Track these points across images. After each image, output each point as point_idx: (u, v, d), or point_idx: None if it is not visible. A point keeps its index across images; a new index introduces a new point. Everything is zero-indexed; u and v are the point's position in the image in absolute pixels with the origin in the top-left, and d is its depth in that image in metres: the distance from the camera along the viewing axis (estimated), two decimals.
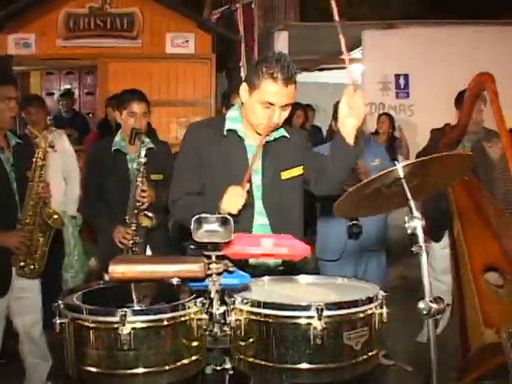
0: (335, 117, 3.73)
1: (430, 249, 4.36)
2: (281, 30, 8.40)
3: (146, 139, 3.36)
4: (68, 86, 8.65)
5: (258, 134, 2.26)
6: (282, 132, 2.34)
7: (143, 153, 3.26)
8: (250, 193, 2.23)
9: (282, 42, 8.34)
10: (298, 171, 2.35)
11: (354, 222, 3.34)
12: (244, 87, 2.24)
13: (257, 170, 2.29)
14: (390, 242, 6.07)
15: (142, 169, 3.26)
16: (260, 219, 2.29)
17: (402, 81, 8.52)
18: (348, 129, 2.09)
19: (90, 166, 3.64)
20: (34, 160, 3.12)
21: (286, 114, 2.23)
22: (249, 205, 2.20)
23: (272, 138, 2.31)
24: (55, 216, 3.26)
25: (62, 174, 4.49)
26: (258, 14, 8.33)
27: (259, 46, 7.86)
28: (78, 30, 7.06)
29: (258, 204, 2.29)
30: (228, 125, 2.31)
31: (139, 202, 3.27)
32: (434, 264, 4.28)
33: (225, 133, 2.30)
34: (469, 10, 8.77)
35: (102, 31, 7.06)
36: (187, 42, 7.01)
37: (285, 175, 2.32)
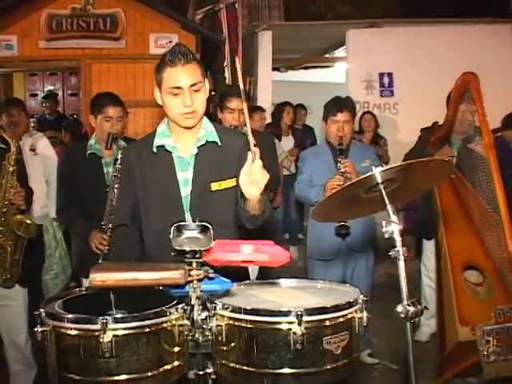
0: (325, 117, 3.77)
1: (422, 247, 4.42)
2: (265, 29, 8.40)
3: (122, 143, 3.35)
4: (51, 88, 8.60)
5: (187, 128, 2.25)
6: (214, 137, 2.31)
7: (120, 157, 3.21)
8: (180, 204, 2.25)
9: (266, 42, 8.34)
10: (229, 183, 2.29)
11: (342, 223, 3.34)
12: (156, 91, 2.25)
13: (186, 180, 2.28)
14: (375, 239, 6.12)
15: (118, 174, 3.21)
16: None
17: (386, 79, 8.56)
18: (249, 196, 2.04)
19: (62, 170, 3.56)
20: (3, 165, 3.05)
21: (200, 96, 2.20)
22: (177, 218, 2.15)
23: (203, 142, 2.29)
24: (28, 221, 3.16)
25: (43, 176, 4.47)
26: (242, 14, 8.34)
27: (243, 46, 7.87)
28: (60, 31, 6.99)
29: (186, 217, 2.25)
30: (156, 141, 2.29)
31: None
32: (427, 262, 4.32)
33: (154, 150, 2.29)
34: (452, 9, 8.85)
35: (84, 32, 7.00)
36: (171, 42, 6.96)
37: (215, 186, 2.27)
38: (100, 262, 3.18)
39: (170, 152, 2.29)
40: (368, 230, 3.71)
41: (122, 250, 2.41)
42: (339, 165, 3.47)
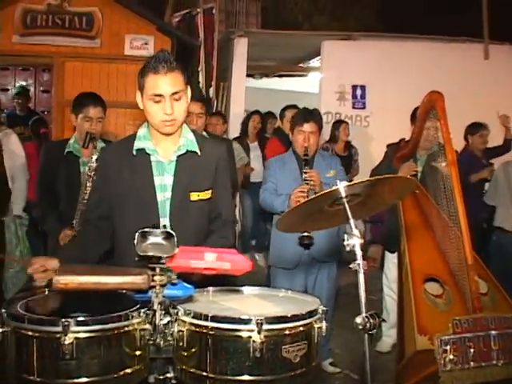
0: (292, 128, 3.82)
1: (385, 258, 4.50)
2: (241, 36, 8.44)
3: (100, 144, 3.38)
4: (23, 83, 8.48)
5: (166, 134, 2.28)
6: (194, 147, 2.35)
7: (94, 157, 3.26)
8: (155, 208, 2.28)
9: (241, 48, 8.38)
10: (206, 195, 2.35)
11: (306, 233, 3.39)
12: (138, 95, 2.27)
13: (163, 185, 2.31)
14: (342, 248, 6.15)
15: (92, 174, 3.26)
16: None
17: (358, 91, 8.67)
18: None
19: (42, 167, 3.61)
20: None
21: (181, 105, 2.23)
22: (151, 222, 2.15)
23: (183, 151, 2.33)
24: None
25: (9, 172, 4.43)
26: (219, 19, 8.36)
27: (219, 52, 7.89)
28: (35, 27, 6.91)
29: (164, 222, 2.27)
30: (137, 144, 2.32)
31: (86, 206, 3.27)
32: (388, 273, 4.39)
33: (134, 152, 2.31)
34: (427, 26, 9.02)
35: (59, 29, 6.93)
36: (146, 44, 6.98)
37: (193, 196, 2.32)
38: None
39: (149, 155, 2.31)
40: (332, 241, 3.76)
41: (84, 247, 2.37)
42: (304, 175, 3.52)
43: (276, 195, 3.65)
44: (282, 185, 3.70)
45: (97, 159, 3.24)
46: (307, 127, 3.68)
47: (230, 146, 4.62)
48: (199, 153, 2.35)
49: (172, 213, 2.29)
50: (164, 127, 2.25)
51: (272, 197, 3.65)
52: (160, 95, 2.17)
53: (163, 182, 2.31)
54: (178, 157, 2.32)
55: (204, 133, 3.90)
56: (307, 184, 3.47)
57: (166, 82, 2.17)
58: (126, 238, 2.27)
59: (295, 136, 3.75)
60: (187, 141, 2.35)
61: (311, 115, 3.73)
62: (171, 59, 2.19)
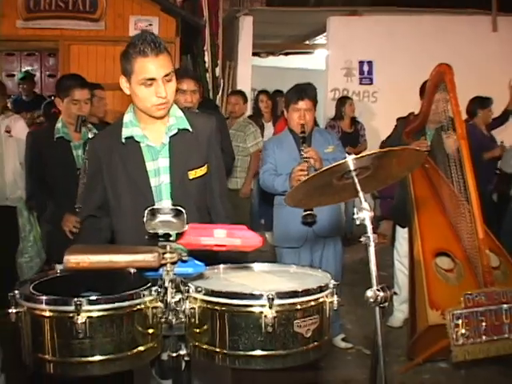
0: (286, 106, 3.79)
1: (396, 233, 4.50)
2: (246, 14, 8.37)
3: (91, 126, 3.37)
4: (29, 68, 8.47)
5: (158, 118, 2.24)
6: (185, 124, 2.31)
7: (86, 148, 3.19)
8: (150, 194, 2.26)
9: (246, 27, 8.32)
10: (202, 171, 2.33)
11: (309, 211, 3.38)
12: (123, 80, 2.21)
13: (157, 169, 2.28)
14: (351, 225, 6.17)
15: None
16: None
17: (365, 67, 8.61)
18: None
19: (31, 156, 3.53)
20: None
21: (172, 86, 2.19)
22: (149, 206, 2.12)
23: (175, 131, 2.29)
24: None
25: (18, 158, 4.43)
26: None
27: (224, 31, 7.84)
28: (38, 11, 6.88)
29: (163, 205, 2.22)
30: (124, 132, 2.26)
31: None
32: (399, 248, 4.40)
33: (123, 141, 2.26)
34: (432, 0, 8.89)
35: (63, 13, 6.88)
36: (151, 25, 6.92)
37: (191, 175, 2.29)
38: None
39: (139, 142, 2.27)
40: (334, 216, 3.75)
41: (90, 240, 2.36)
42: (302, 153, 3.50)
43: (276, 175, 3.62)
44: (280, 165, 3.68)
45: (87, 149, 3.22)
46: (302, 104, 3.64)
47: (223, 119, 4.61)
48: (191, 129, 2.31)
49: (173, 194, 2.27)
50: (157, 111, 2.20)
51: (272, 177, 3.63)
52: (153, 79, 2.12)
53: (157, 167, 2.28)
54: (171, 137, 2.28)
55: (196, 110, 3.86)
56: (306, 162, 3.44)
57: (157, 65, 2.10)
58: (125, 226, 2.29)
59: (290, 114, 3.70)
60: (177, 119, 2.30)
61: (305, 92, 3.68)
62: (158, 40, 2.13)
